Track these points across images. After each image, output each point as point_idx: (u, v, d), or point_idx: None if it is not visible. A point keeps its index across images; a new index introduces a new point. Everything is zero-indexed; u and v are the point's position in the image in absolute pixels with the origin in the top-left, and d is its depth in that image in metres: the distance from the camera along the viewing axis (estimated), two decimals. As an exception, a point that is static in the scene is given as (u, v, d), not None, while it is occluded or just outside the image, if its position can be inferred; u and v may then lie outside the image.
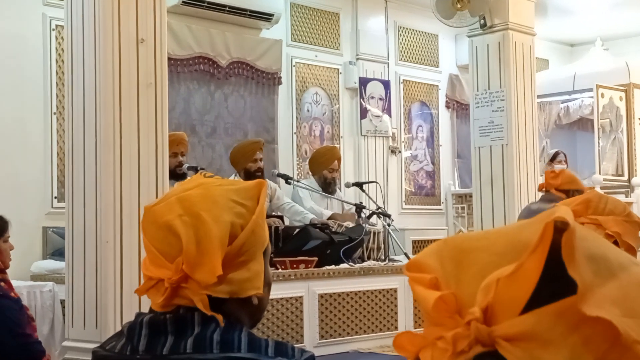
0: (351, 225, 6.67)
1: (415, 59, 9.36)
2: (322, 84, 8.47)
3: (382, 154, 8.79)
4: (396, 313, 6.30)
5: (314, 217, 6.77)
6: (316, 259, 5.97)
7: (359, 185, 7.26)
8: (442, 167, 9.56)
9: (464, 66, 9.15)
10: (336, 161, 7.33)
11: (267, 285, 1.43)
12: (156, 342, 1.34)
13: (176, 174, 5.96)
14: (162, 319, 1.35)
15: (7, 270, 3.93)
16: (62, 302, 5.09)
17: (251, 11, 7.60)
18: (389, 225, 6.58)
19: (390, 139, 8.91)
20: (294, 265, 5.86)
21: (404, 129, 9.22)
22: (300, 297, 5.77)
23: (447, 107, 9.70)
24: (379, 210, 6.77)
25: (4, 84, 6.24)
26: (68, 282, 4.59)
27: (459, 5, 7.07)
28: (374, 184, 7.64)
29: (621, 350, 0.63)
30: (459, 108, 9.74)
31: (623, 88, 9.43)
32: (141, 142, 4.49)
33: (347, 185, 7.46)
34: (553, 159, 8.54)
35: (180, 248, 1.32)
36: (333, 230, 6.43)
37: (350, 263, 6.20)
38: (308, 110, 8.37)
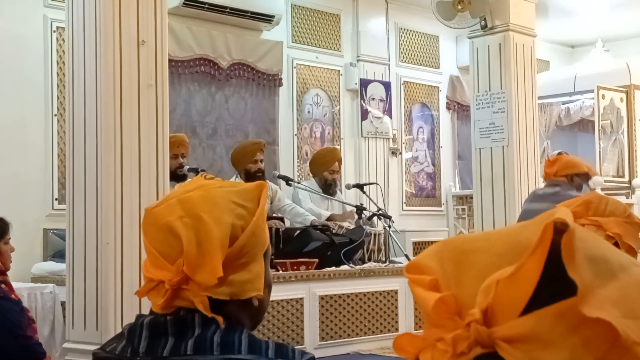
0: (351, 224, 6.67)
1: (416, 60, 9.37)
2: (323, 86, 8.47)
3: (382, 156, 8.79)
4: (397, 315, 6.30)
5: (315, 219, 6.77)
6: (317, 260, 5.98)
7: (360, 186, 7.26)
8: (442, 169, 9.56)
9: (464, 67, 9.15)
10: (337, 163, 7.33)
11: (268, 287, 1.43)
12: (157, 344, 1.34)
13: (177, 176, 5.96)
14: (162, 321, 1.34)
15: (7, 272, 3.93)
16: (63, 303, 5.09)
17: (252, 13, 7.60)
18: (389, 226, 6.58)
19: (390, 140, 8.91)
20: (295, 267, 5.86)
21: (405, 131, 9.22)
22: (301, 298, 5.77)
23: (448, 108, 9.71)
24: (380, 211, 6.77)
25: (4, 85, 6.24)
26: (69, 284, 4.59)
27: (459, 7, 7.07)
28: (375, 185, 7.64)
29: (621, 352, 0.63)
30: (459, 109, 9.74)
31: (624, 89, 9.44)
32: (142, 143, 4.50)
33: (348, 187, 7.46)
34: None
35: (180, 250, 1.32)
36: (333, 231, 6.43)
37: (351, 265, 6.20)
38: (309, 112, 8.37)
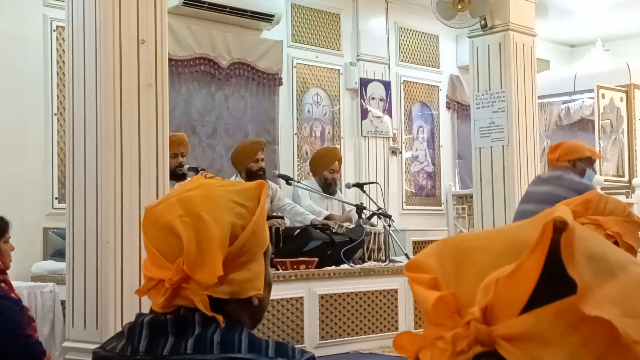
0: (350, 224, 6.67)
1: (416, 59, 9.36)
2: (323, 85, 8.47)
3: (382, 155, 8.79)
4: (396, 314, 6.30)
5: (315, 218, 6.77)
6: (317, 259, 5.98)
7: (360, 186, 7.26)
8: (442, 168, 9.56)
9: (464, 67, 9.15)
10: (337, 162, 7.33)
11: (268, 286, 1.43)
12: (156, 343, 1.34)
13: (177, 175, 5.96)
14: (162, 320, 1.35)
15: (7, 271, 3.93)
16: (63, 302, 5.10)
17: (252, 12, 7.60)
18: (389, 226, 6.58)
19: (390, 139, 8.91)
20: (295, 266, 5.86)
21: (405, 130, 9.22)
22: (301, 297, 5.77)
23: (448, 107, 9.71)
24: (380, 211, 6.77)
25: (4, 85, 6.24)
26: (68, 283, 4.59)
27: (459, 6, 7.07)
28: (375, 184, 7.64)
29: (620, 351, 0.63)
30: (459, 109, 9.74)
31: (624, 89, 9.43)
32: (142, 142, 4.50)
33: (348, 186, 7.46)
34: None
35: (180, 249, 1.32)
36: (333, 231, 6.43)
37: (351, 264, 6.20)
38: (309, 111, 8.37)
